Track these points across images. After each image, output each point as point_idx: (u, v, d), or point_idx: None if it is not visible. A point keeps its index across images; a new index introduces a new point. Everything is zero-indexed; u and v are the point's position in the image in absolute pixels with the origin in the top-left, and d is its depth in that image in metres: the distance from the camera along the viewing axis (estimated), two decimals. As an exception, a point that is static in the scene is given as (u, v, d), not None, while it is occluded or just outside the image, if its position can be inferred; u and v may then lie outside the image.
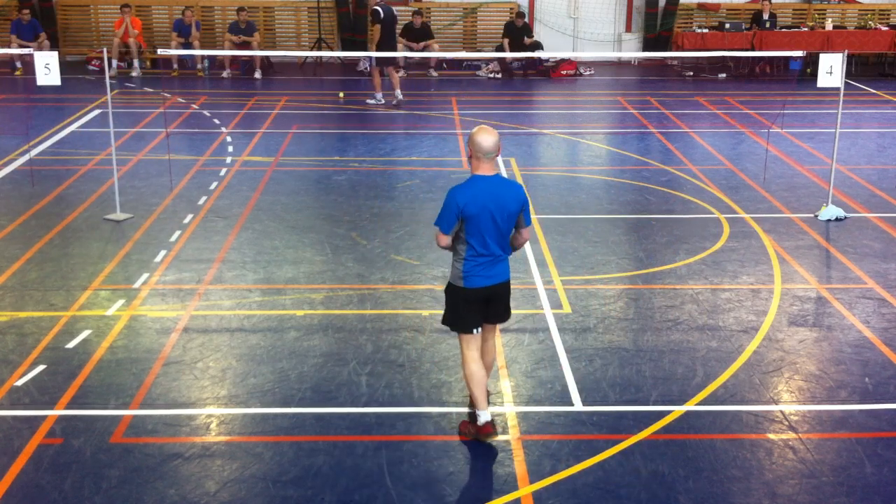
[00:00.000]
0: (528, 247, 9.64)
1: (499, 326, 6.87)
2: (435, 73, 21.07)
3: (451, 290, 6.27)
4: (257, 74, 20.51)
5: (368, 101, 17.61)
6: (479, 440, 6.24)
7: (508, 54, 20.47)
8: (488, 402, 6.39)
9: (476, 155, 6.04)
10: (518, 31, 20.98)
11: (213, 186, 12.05)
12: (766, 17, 20.97)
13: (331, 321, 8.14)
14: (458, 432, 6.36)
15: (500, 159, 13.54)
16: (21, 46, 19.56)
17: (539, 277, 9.07)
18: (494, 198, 6.01)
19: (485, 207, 5.98)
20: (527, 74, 21.26)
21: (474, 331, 6.23)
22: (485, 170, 6.06)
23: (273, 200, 11.50)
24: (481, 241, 6.06)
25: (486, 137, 6.00)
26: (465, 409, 6.62)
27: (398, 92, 17.42)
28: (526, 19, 21.51)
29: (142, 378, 7.10)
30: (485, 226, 6.02)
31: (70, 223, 10.60)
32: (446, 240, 6.12)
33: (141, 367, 7.27)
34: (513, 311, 6.71)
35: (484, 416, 6.21)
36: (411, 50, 20.67)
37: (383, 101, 17.38)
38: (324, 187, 12.19)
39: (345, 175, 12.74)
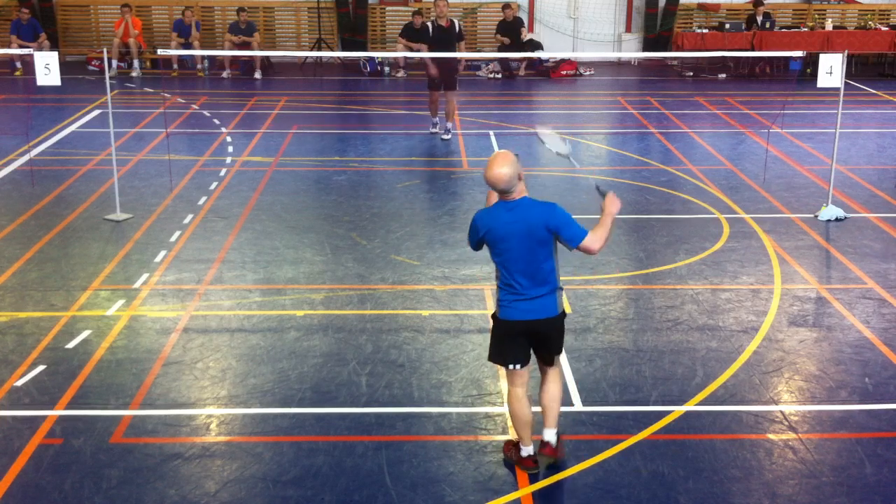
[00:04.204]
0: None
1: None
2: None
3: (493, 318, 5.81)
4: (257, 74, 20.52)
5: (431, 129, 15.29)
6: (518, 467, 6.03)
7: (510, 54, 20.44)
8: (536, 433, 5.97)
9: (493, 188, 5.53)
10: (511, 26, 20.91)
11: (213, 186, 12.05)
12: (759, 19, 20.95)
13: (331, 321, 8.14)
14: (503, 451, 6.08)
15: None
16: (21, 46, 19.56)
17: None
18: (517, 224, 5.46)
19: (508, 236, 5.48)
20: (514, 74, 21.25)
21: (510, 366, 5.73)
22: (507, 197, 5.51)
23: (273, 200, 11.50)
24: (509, 274, 5.58)
25: (490, 171, 5.40)
26: (466, 410, 6.63)
27: (450, 125, 14.94)
28: (519, 13, 21.44)
29: (142, 378, 7.10)
30: (512, 256, 5.52)
31: (70, 223, 10.60)
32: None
33: (141, 368, 7.27)
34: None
35: (527, 451, 5.93)
36: (411, 50, 20.68)
37: (440, 131, 15.07)
38: (324, 187, 12.19)
39: (345, 175, 12.74)
